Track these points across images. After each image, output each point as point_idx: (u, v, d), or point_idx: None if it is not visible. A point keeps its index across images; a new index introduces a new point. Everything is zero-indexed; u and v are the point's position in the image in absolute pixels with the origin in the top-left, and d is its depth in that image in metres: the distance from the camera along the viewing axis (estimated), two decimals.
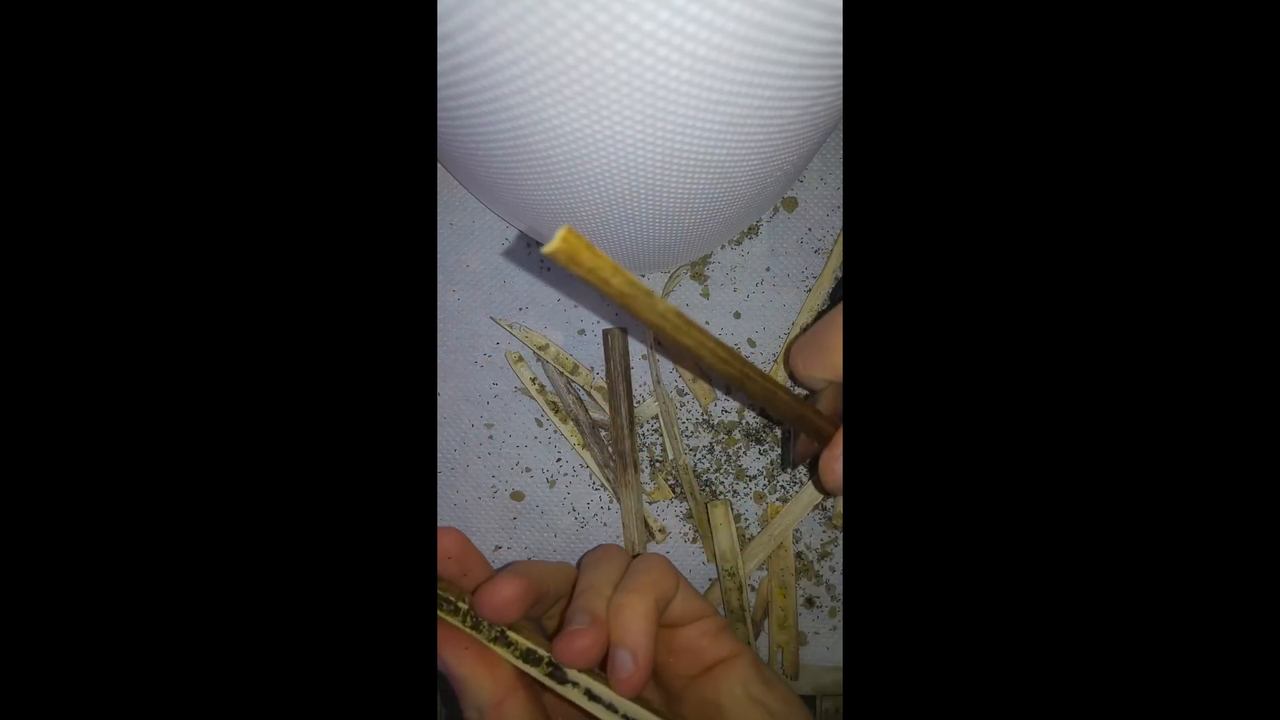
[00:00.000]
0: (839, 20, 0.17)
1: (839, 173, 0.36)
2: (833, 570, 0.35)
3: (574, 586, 0.26)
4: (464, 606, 0.22)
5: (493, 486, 0.36)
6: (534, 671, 0.22)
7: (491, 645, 0.22)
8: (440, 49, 0.18)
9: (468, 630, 0.22)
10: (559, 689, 0.22)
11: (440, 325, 0.36)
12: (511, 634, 0.22)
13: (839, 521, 0.35)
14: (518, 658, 0.22)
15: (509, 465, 0.36)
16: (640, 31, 0.16)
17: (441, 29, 0.17)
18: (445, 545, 0.24)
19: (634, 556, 0.28)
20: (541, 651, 0.22)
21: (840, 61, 0.19)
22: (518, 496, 0.36)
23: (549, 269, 0.36)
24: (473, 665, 0.22)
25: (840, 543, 0.35)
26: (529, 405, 0.36)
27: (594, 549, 0.29)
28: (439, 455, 0.36)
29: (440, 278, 0.37)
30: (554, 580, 0.25)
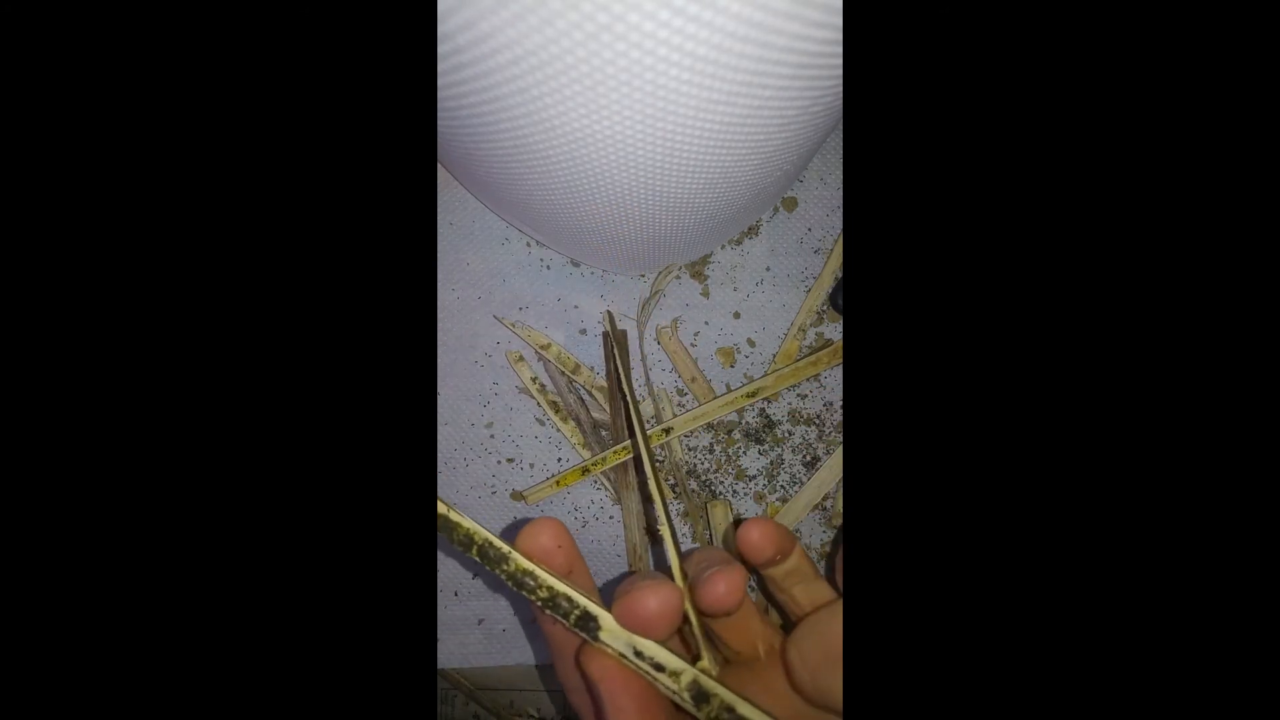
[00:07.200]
0: (839, 20, 0.17)
1: (839, 173, 0.36)
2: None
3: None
4: (576, 610, 0.18)
5: (492, 487, 0.36)
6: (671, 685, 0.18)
7: (627, 661, 0.18)
8: (440, 49, 0.18)
9: (585, 637, 0.18)
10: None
11: (441, 324, 0.36)
12: (642, 645, 0.18)
13: (839, 521, 0.35)
14: (662, 672, 0.18)
15: (509, 465, 0.36)
16: (640, 31, 0.16)
17: (441, 29, 0.17)
18: (550, 535, 0.19)
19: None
20: (677, 663, 0.18)
21: (840, 61, 0.19)
22: (518, 497, 0.36)
23: (549, 268, 0.36)
24: (620, 685, 0.18)
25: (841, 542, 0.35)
26: (530, 405, 0.36)
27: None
28: (439, 455, 0.36)
29: (440, 277, 0.37)
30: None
